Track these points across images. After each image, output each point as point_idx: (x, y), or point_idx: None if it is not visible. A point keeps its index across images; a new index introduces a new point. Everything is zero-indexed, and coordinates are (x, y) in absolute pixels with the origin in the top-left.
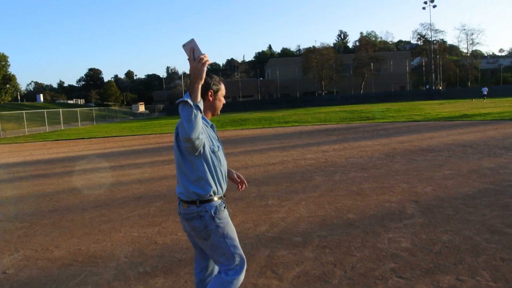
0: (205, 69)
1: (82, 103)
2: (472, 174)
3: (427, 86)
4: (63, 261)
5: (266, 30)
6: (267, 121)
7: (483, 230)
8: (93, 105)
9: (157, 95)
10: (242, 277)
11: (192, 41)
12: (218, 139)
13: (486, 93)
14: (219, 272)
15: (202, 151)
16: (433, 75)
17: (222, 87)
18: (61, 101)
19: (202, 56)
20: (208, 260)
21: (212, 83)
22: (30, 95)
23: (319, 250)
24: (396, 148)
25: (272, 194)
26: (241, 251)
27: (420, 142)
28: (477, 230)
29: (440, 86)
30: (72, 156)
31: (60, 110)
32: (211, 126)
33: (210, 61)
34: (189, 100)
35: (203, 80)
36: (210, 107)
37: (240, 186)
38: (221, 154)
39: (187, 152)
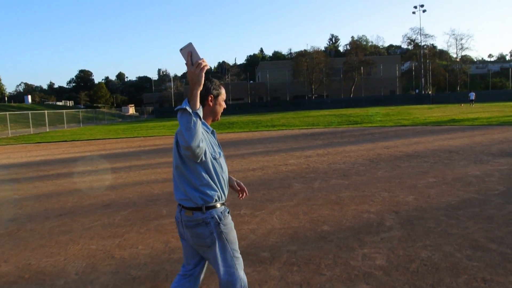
0: (203, 74)
1: (71, 105)
2: (457, 182)
3: (417, 91)
4: (8, 278)
5: (258, 33)
6: (255, 125)
7: (465, 246)
8: (82, 107)
9: (147, 98)
10: (244, 278)
11: (189, 45)
12: (218, 145)
13: (473, 98)
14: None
15: (203, 158)
16: (423, 79)
17: (223, 91)
18: (50, 103)
19: (200, 61)
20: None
21: (212, 88)
22: (19, 97)
23: (286, 267)
24: (381, 154)
25: (246, 202)
26: (241, 260)
27: (406, 148)
28: (458, 246)
29: (429, 90)
30: (50, 160)
31: (46, 112)
32: (212, 132)
33: (209, 67)
34: (187, 108)
35: (201, 86)
36: (210, 112)
37: (240, 194)
38: (222, 160)
39: (188, 159)
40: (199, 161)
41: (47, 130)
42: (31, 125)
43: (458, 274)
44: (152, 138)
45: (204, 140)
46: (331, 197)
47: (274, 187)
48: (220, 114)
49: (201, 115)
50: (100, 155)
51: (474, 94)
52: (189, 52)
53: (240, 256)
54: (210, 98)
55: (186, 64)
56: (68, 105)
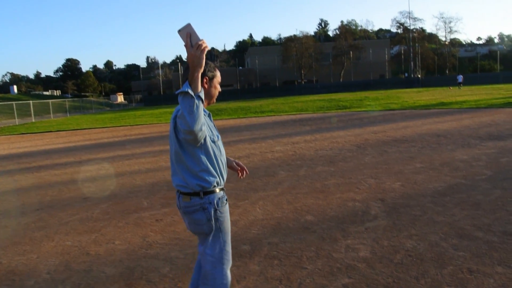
0: (204, 56)
1: (58, 94)
2: (444, 167)
3: (406, 74)
4: None
5: (247, 19)
6: (244, 111)
7: (451, 234)
8: (69, 96)
9: (135, 86)
10: (228, 276)
11: (188, 26)
12: (215, 128)
13: (461, 81)
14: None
15: (203, 142)
16: (412, 63)
17: (218, 73)
18: (37, 93)
19: (200, 42)
20: None
21: (207, 70)
22: (5, 87)
23: (267, 261)
24: (369, 139)
25: (229, 192)
26: (230, 248)
27: (394, 132)
28: (444, 234)
29: (419, 74)
30: (32, 152)
31: (31, 102)
32: (208, 115)
33: (209, 48)
34: (189, 91)
35: (202, 68)
36: (206, 95)
37: (240, 174)
38: (220, 143)
39: (187, 144)
40: (198, 145)
41: (33, 120)
42: (16, 115)
43: (443, 265)
44: (139, 126)
45: (204, 124)
46: (316, 185)
47: (259, 176)
48: (216, 97)
49: (203, 98)
50: (84, 145)
51: (462, 77)
52: (188, 34)
53: (230, 250)
54: (205, 81)
55: (185, 46)
56: (55, 94)
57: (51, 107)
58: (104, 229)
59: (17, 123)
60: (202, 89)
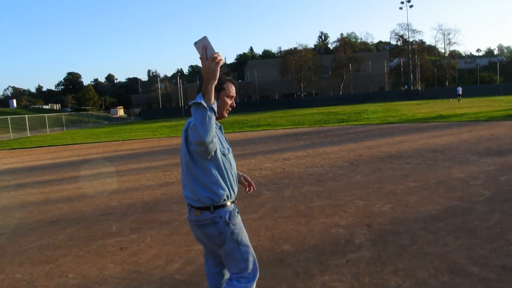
0: (219, 68)
1: (58, 108)
2: (439, 187)
3: (406, 86)
4: None
5: (247, 32)
6: (240, 125)
7: (442, 269)
8: (69, 110)
9: (135, 99)
10: (254, 285)
11: (204, 38)
12: (226, 140)
13: (460, 92)
14: (230, 279)
15: (213, 154)
16: (412, 75)
17: (227, 86)
18: (37, 106)
19: (215, 55)
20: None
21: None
22: (5, 101)
23: None
24: (362, 155)
25: None
26: (254, 258)
27: (389, 147)
28: (435, 269)
29: (418, 86)
30: (16, 168)
31: (26, 116)
32: (219, 128)
33: (224, 61)
34: (202, 102)
35: (216, 80)
36: None
37: (248, 189)
38: (231, 156)
39: (198, 156)
40: (209, 157)
41: (28, 135)
42: (10, 130)
43: None
44: (131, 142)
45: (215, 136)
46: (301, 207)
47: (241, 197)
48: (226, 111)
49: (216, 110)
50: (71, 161)
51: (461, 89)
52: (203, 46)
53: (254, 260)
54: None
55: (201, 58)
56: (55, 108)
57: (47, 121)
58: (61, 259)
59: (11, 138)
60: (215, 102)
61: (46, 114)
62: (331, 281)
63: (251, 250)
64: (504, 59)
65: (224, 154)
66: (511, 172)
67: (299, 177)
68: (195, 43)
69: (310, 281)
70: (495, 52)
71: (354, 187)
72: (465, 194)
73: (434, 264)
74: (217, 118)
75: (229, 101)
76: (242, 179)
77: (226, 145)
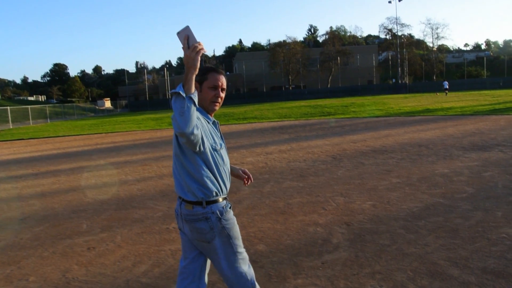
0: (199, 58)
1: (43, 99)
2: (422, 183)
3: (394, 80)
4: None
5: (236, 25)
6: (226, 118)
7: (421, 272)
8: (55, 101)
9: (122, 91)
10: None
11: (186, 28)
12: (221, 136)
13: (447, 87)
14: None
15: (202, 149)
16: (400, 69)
17: (209, 76)
18: (21, 98)
19: (196, 44)
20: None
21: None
22: None
23: None
24: (346, 149)
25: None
26: (243, 250)
27: (374, 142)
28: (413, 272)
29: (406, 80)
30: None
31: (8, 108)
32: (213, 123)
33: (206, 51)
34: (181, 92)
35: (197, 70)
36: (199, 100)
37: (246, 182)
38: (223, 152)
39: (187, 149)
40: (197, 150)
41: (10, 127)
42: None
43: None
44: (114, 134)
45: (202, 128)
46: (279, 204)
47: None
48: (213, 102)
49: (196, 100)
50: (50, 155)
51: (447, 83)
52: (186, 36)
53: (243, 251)
54: (196, 85)
55: (183, 47)
56: (40, 100)
57: (30, 113)
58: (24, 261)
59: None
60: (196, 92)
61: (29, 106)
62: (305, 284)
63: (243, 248)
64: (491, 54)
65: (215, 150)
66: (495, 167)
67: (281, 172)
68: (178, 33)
69: (282, 285)
70: (483, 47)
71: (336, 182)
72: (448, 190)
73: (413, 266)
74: (208, 112)
75: (212, 92)
76: (241, 172)
77: (218, 141)
